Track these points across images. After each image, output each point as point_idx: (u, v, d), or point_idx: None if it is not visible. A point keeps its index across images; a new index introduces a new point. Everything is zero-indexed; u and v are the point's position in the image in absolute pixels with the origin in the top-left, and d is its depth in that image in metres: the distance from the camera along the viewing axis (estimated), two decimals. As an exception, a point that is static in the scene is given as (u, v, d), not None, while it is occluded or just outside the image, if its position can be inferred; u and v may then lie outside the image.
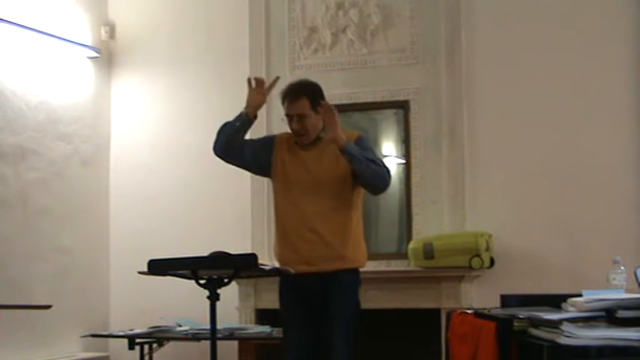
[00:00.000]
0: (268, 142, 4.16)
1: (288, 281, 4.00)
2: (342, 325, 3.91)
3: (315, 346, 3.95)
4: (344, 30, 6.36)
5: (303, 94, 4.01)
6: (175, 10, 6.83)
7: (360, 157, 3.85)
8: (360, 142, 4.03)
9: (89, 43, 6.66)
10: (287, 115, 4.04)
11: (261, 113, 6.39)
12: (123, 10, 6.91)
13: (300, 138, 4.03)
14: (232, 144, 4.05)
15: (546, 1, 6.00)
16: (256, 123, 6.56)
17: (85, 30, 6.67)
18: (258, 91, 4.06)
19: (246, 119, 4.04)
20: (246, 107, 4.06)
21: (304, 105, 3.98)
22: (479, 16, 6.07)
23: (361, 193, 4.06)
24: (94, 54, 6.68)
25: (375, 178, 3.90)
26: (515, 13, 6.02)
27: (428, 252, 5.77)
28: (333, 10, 6.38)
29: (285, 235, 4.01)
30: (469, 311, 3.65)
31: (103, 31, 6.83)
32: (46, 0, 6.29)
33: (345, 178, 3.96)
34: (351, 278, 4.01)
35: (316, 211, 3.93)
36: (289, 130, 4.09)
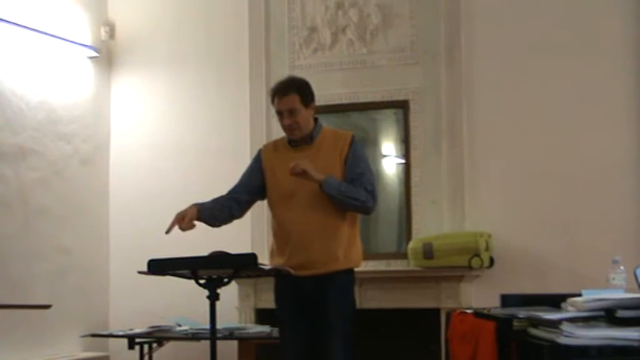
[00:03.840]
0: (255, 163, 4.16)
1: (284, 284, 4.00)
2: (339, 325, 3.91)
3: (312, 347, 3.95)
4: (344, 30, 6.36)
5: (292, 89, 4.01)
6: (175, 10, 6.83)
7: (340, 196, 3.88)
8: (353, 146, 4.03)
9: (89, 43, 6.66)
10: (278, 112, 4.04)
11: (261, 113, 6.47)
12: (123, 9, 6.92)
13: (293, 133, 4.02)
14: (221, 222, 4.15)
15: (546, 1, 6.00)
16: (256, 123, 6.60)
17: (84, 30, 6.67)
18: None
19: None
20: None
21: (294, 99, 3.98)
22: (478, 16, 6.07)
23: None
24: (94, 54, 6.68)
25: (354, 210, 4.00)
26: (514, 13, 6.02)
27: (427, 252, 5.77)
28: (332, 9, 6.38)
29: (280, 241, 4.02)
30: (469, 311, 3.66)
31: (102, 31, 6.83)
32: (46, 0, 6.29)
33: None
34: (346, 278, 4.00)
35: (310, 216, 3.91)
36: (282, 131, 4.12)
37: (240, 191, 4.14)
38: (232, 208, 4.12)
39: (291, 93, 3.99)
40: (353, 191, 3.92)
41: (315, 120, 4.10)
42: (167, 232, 3.89)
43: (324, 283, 3.92)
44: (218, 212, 4.09)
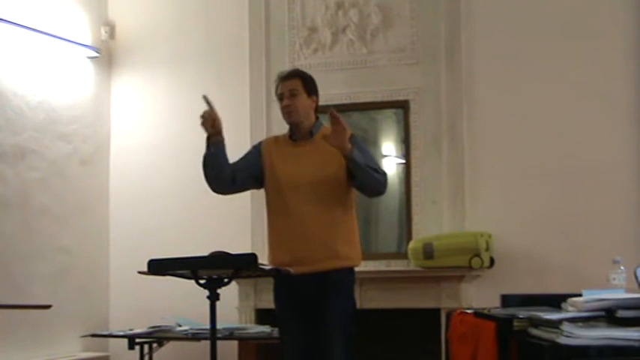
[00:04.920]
0: (255, 151, 4.15)
1: (284, 283, 3.99)
2: (338, 324, 3.89)
3: (312, 346, 3.94)
4: (344, 30, 6.36)
5: (296, 75, 4.08)
6: (175, 10, 6.83)
7: (364, 165, 3.84)
8: (353, 142, 4.02)
9: (89, 43, 6.66)
10: (279, 95, 4.05)
11: (261, 113, 6.47)
12: (123, 10, 6.91)
13: (290, 115, 4.01)
14: (220, 173, 4.00)
15: (546, 1, 6.00)
16: (256, 123, 6.60)
17: (85, 30, 6.67)
18: (208, 118, 3.96)
19: (213, 141, 3.97)
20: (208, 133, 3.98)
21: (296, 83, 4.02)
22: (479, 16, 6.07)
23: (354, 192, 4.05)
24: (94, 54, 6.68)
25: (373, 186, 3.93)
26: (514, 14, 6.02)
27: (428, 252, 5.77)
28: (332, 9, 6.38)
29: (278, 236, 4.01)
30: (469, 311, 3.66)
31: (102, 31, 6.83)
32: (46, 0, 6.29)
33: (338, 177, 3.93)
34: (346, 278, 3.99)
35: (309, 210, 3.91)
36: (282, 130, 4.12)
37: (237, 169, 4.06)
38: (231, 177, 4.04)
39: (294, 77, 4.05)
40: (375, 164, 3.94)
41: (317, 118, 4.11)
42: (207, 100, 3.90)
43: (324, 282, 3.91)
44: (225, 163, 4.01)
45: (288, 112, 4.02)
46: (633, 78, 5.77)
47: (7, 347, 5.66)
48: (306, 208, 3.91)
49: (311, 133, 4.05)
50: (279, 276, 3.94)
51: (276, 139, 4.20)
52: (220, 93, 6.53)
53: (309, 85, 4.05)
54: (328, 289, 3.91)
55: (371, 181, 3.90)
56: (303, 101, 4.01)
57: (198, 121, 6.85)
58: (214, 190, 4.10)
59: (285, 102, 4.01)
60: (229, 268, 3.63)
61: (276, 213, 4.03)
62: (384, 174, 3.97)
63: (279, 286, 4.05)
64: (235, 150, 6.18)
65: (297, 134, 4.06)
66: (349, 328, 3.94)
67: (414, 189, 6.12)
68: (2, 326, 5.54)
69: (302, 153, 3.98)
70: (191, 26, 6.77)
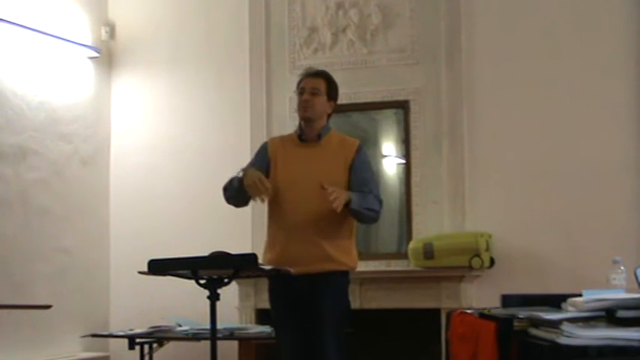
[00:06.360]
0: (261, 153, 4.16)
1: (278, 283, 4.01)
2: (332, 326, 3.90)
3: (307, 347, 3.95)
4: (344, 30, 6.36)
5: (323, 76, 4.16)
6: (175, 10, 6.83)
7: (362, 210, 3.93)
8: (359, 154, 4.07)
9: (89, 43, 6.66)
10: (300, 89, 4.09)
11: (261, 113, 6.47)
12: (123, 10, 6.92)
13: (306, 110, 4.05)
14: (239, 198, 4.05)
15: (546, 1, 6.00)
16: (256, 122, 6.59)
17: (85, 30, 6.67)
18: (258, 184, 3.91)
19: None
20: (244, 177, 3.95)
21: (321, 83, 4.10)
22: (479, 16, 6.07)
23: None
24: (94, 54, 6.68)
25: (367, 222, 4.15)
26: (515, 13, 6.02)
27: (428, 252, 5.77)
28: (333, 10, 6.38)
29: (273, 234, 4.03)
30: (469, 311, 3.66)
31: (103, 31, 6.83)
32: (46, 0, 6.29)
33: (339, 182, 3.97)
34: (340, 280, 4.01)
35: (305, 211, 3.93)
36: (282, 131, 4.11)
37: None
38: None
39: (321, 77, 4.13)
40: (369, 202, 3.98)
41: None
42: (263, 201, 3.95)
43: (319, 283, 3.92)
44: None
45: (304, 107, 4.06)
46: (633, 78, 5.77)
47: (7, 347, 5.66)
48: (303, 210, 3.93)
49: (319, 136, 4.06)
50: (277, 276, 3.94)
51: (282, 138, 4.23)
52: (220, 93, 6.59)
53: (332, 89, 4.13)
54: (322, 289, 3.93)
55: (364, 220, 4.06)
56: (322, 102, 4.07)
57: (198, 120, 6.88)
58: (230, 204, 4.14)
59: (305, 97, 4.06)
60: (229, 268, 3.63)
61: (274, 212, 4.05)
62: (379, 209, 4.02)
63: (274, 287, 4.07)
64: (236, 150, 6.25)
65: (306, 133, 4.08)
66: (343, 329, 3.95)
67: (414, 189, 6.12)
68: (2, 326, 5.54)
69: (307, 154, 4.02)
70: (191, 26, 6.77)
